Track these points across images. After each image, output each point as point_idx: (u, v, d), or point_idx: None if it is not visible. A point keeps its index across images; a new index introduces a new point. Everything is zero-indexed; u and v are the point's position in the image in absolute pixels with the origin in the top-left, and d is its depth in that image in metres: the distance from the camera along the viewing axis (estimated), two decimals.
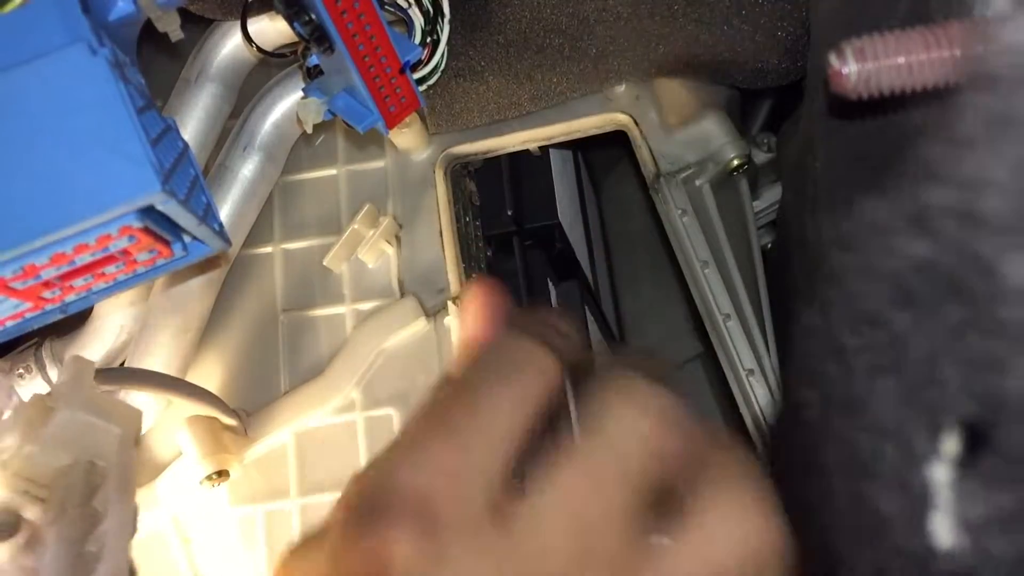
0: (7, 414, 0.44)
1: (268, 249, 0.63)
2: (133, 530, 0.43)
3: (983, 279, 0.21)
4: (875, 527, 0.24)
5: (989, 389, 0.21)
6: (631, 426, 0.23)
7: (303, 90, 0.49)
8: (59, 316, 0.41)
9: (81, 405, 0.43)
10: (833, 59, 0.29)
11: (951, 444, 0.22)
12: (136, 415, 0.47)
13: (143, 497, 0.62)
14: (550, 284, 0.68)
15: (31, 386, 0.60)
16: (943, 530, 0.22)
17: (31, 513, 0.42)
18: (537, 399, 0.24)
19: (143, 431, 0.59)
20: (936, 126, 0.22)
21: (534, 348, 0.25)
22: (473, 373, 0.24)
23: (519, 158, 0.67)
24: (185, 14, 0.48)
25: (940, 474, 0.22)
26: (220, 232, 0.42)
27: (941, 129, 0.22)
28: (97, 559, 0.40)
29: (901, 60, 0.28)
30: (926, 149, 0.22)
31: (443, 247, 0.61)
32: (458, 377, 0.25)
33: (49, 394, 0.45)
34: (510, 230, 0.66)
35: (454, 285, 0.60)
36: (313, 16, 0.43)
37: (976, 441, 0.22)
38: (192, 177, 0.41)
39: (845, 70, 0.28)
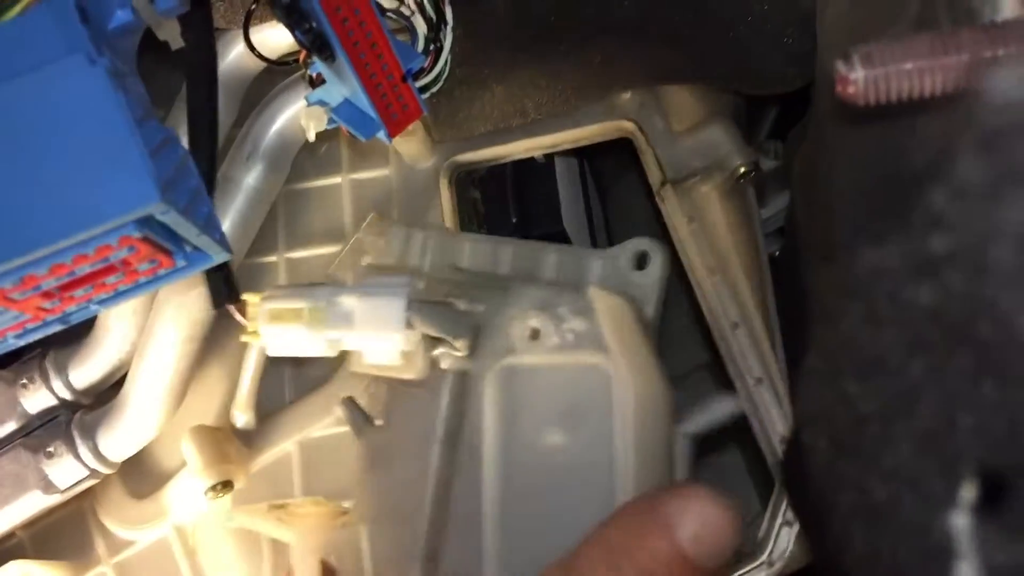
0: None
1: (272, 258, 0.63)
2: None
3: (997, 329, 0.20)
4: (896, 574, 0.24)
5: (1009, 438, 0.20)
6: None
7: (306, 98, 0.49)
8: (60, 327, 0.40)
9: None
10: (840, 65, 0.28)
11: (969, 491, 0.22)
12: None
13: (148, 508, 0.62)
14: None
15: (35, 397, 0.60)
16: None
17: None
18: None
19: (151, 439, 0.59)
20: (940, 174, 0.22)
21: None
22: None
23: (524, 166, 0.67)
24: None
25: (961, 522, 0.22)
26: (221, 241, 0.42)
27: (945, 177, 0.22)
28: None
29: (909, 66, 0.27)
30: (931, 197, 0.22)
31: None
32: None
33: None
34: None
35: None
36: (314, 24, 0.42)
37: (997, 490, 0.21)
38: (193, 187, 0.41)
39: (853, 76, 0.28)
